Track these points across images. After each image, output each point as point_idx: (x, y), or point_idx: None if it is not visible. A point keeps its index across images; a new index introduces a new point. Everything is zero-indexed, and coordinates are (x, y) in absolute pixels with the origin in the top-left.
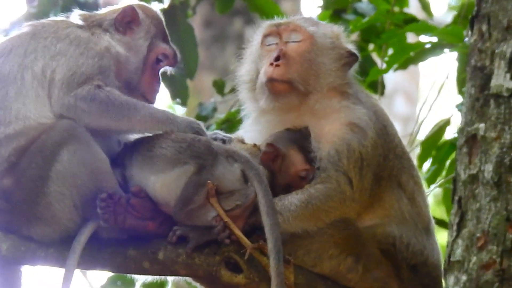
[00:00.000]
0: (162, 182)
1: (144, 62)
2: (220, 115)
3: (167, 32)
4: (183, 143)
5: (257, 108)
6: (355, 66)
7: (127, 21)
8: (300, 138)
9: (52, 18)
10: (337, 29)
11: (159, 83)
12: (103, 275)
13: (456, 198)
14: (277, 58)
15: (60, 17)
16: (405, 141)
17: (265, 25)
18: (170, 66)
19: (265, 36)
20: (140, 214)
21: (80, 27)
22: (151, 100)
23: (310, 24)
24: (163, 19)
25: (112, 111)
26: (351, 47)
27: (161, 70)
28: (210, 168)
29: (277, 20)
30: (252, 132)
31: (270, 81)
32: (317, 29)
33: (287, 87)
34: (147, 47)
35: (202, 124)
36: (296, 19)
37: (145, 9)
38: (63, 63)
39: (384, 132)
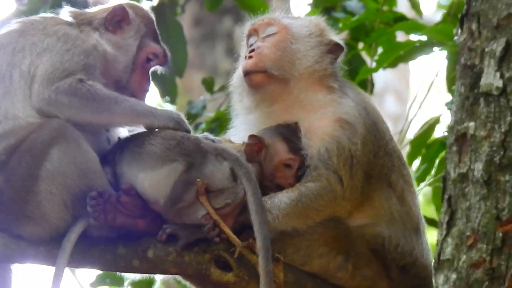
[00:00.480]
0: (151, 180)
1: (134, 62)
2: (210, 113)
3: (158, 31)
4: (172, 141)
5: (244, 107)
6: (342, 58)
7: (117, 20)
8: (286, 130)
9: (42, 14)
10: (317, 19)
11: (149, 82)
12: (92, 273)
13: (446, 196)
14: (251, 52)
15: (50, 14)
16: (395, 140)
17: (246, 26)
18: (160, 65)
19: (248, 37)
20: (130, 212)
21: (69, 24)
22: (140, 99)
23: (286, 17)
24: (154, 18)
25: (93, 105)
26: (336, 38)
27: (151, 69)
28: (199, 166)
29: (254, 19)
30: (243, 131)
31: (246, 74)
32: (293, 21)
33: (263, 76)
34: (136, 47)
35: (182, 115)
36: (272, 13)
37: (136, 8)
38: (48, 59)
39: (374, 128)
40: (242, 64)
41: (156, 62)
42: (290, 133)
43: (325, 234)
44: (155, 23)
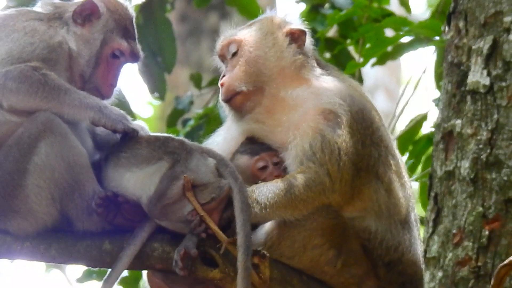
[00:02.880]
0: (137, 178)
1: (98, 56)
2: (197, 109)
3: (132, 29)
4: (157, 142)
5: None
6: (309, 41)
7: (86, 14)
8: (242, 145)
9: (17, 9)
10: (269, 16)
11: (116, 78)
12: (80, 269)
13: (432, 194)
14: (222, 77)
15: (25, 8)
16: None
17: (213, 54)
18: (129, 62)
19: (219, 61)
20: (130, 217)
21: (40, 19)
22: (105, 94)
23: (241, 29)
24: (131, 15)
25: (42, 94)
26: (295, 24)
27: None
28: (184, 162)
29: (216, 44)
30: (232, 135)
31: (225, 102)
32: (247, 30)
33: (239, 97)
34: (100, 41)
35: (130, 123)
36: (230, 31)
37: (109, 4)
38: (7, 48)
39: (360, 116)
40: (221, 93)
41: (123, 58)
42: (245, 143)
43: (323, 223)
44: (131, 20)
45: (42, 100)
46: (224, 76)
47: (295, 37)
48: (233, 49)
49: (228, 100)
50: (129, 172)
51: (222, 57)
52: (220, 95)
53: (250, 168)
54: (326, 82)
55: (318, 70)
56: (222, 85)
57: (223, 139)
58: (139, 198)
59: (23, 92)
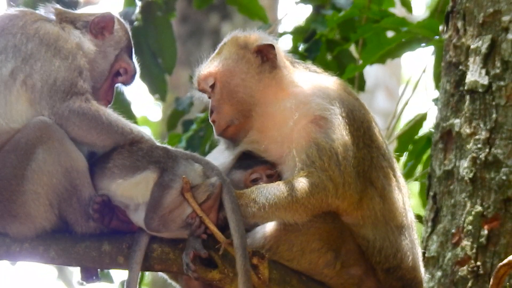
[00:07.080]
0: (123, 188)
1: (109, 70)
2: (197, 110)
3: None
4: (140, 152)
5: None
6: (281, 52)
7: (101, 26)
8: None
9: (20, 8)
10: (232, 38)
11: (113, 95)
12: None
13: (431, 194)
14: (211, 114)
15: (29, 9)
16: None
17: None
18: (124, 83)
19: (201, 93)
20: (125, 218)
21: (49, 21)
22: None
23: (213, 60)
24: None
25: (101, 131)
26: (260, 39)
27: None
28: (171, 169)
29: (193, 79)
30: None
31: (219, 136)
32: (219, 59)
33: (231, 128)
34: (115, 56)
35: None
36: (202, 66)
37: (120, 22)
38: (39, 68)
39: (351, 117)
40: (214, 129)
41: (123, 78)
42: (241, 158)
43: (321, 228)
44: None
45: (99, 138)
46: (212, 111)
47: (265, 53)
48: (210, 82)
49: (221, 134)
50: (114, 183)
51: (203, 90)
52: (214, 130)
53: (243, 181)
54: (312, 87)
55: (301, 76)
56: (213, 121)
57: (217, 161)
58: (127, 207)
59: (84, 127)
